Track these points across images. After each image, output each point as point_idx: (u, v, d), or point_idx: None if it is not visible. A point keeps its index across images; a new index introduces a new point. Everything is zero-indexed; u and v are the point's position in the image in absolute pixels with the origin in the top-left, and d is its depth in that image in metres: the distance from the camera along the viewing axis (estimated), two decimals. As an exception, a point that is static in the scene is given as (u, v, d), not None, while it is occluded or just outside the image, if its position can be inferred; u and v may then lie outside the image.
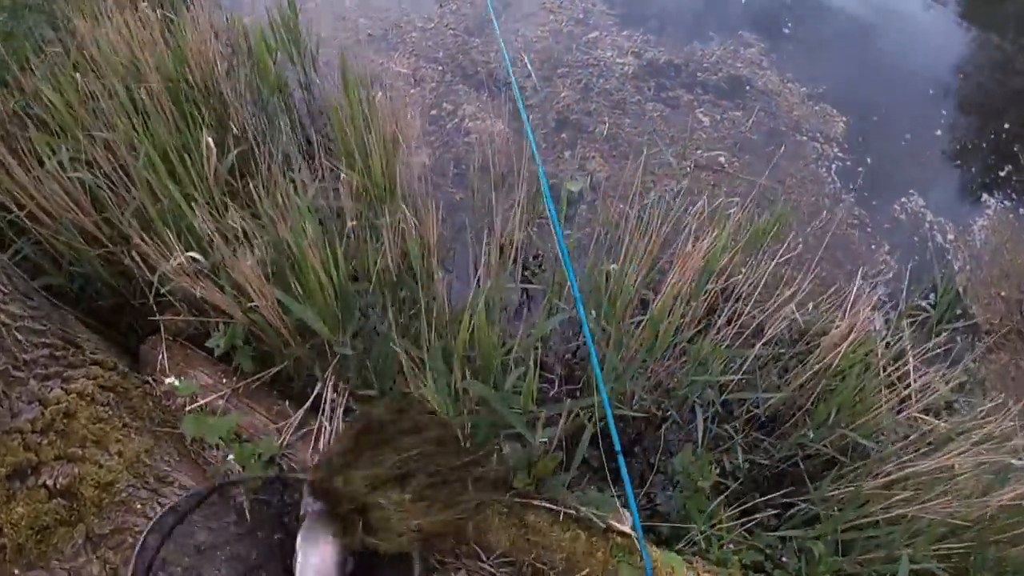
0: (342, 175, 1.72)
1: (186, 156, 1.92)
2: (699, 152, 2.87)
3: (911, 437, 1.94)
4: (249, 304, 1.66)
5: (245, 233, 1.83)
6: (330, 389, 1.71)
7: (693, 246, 1.82)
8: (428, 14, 3.51)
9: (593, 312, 1.88)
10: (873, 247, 2.80)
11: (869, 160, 3.08)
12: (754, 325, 2.04)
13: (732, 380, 2.04)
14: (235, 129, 2.21)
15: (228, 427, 1.69)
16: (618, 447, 1.58)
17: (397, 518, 1.43)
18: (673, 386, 2.10)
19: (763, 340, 2.02)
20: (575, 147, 2.87)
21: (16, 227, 2.00)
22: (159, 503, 1.67)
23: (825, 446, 2.04)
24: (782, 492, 1.99)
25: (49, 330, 1.72)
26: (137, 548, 1.55)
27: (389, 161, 1.96)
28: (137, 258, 1.79)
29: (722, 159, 2.83)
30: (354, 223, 1.80)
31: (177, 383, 1.67)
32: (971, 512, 1.68)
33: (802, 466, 2.13)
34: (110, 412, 1.72)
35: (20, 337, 1.60)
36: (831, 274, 2.59)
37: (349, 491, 1.47)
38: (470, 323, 1.56)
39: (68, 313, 1.95)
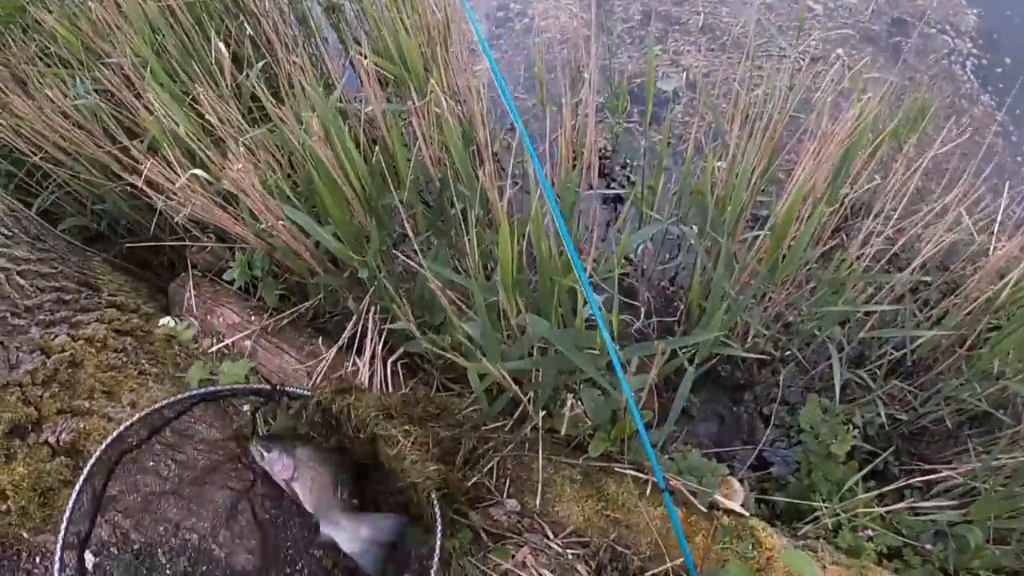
0: (364, 60, 1.39)
1: (200, 72, 1.68)
2: (812, 44, 2.36)
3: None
4: (260, 225, 1.41)
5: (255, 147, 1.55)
6: (370, 324, 1.44)
7: (830, 126, 1.37)
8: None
9: (694, 227, 1.50)
10: (1020, 159, 2.30)
11: (1008, 60, 2.57)
12: (895, 248, 1.59)
13: (873, 313, 1.60)
14: (260, 41, 1.96)
15: (243, 372, 1.50)
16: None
17: (412, 459, 1.22)
18: (794, 320, 1.69)
19: (911, 265, 1.57)
20: (666, 41, 2.49)
21: (41, 172, 1.89)
22: (174, 460, 1.49)
23: (980, 400, 1.58)
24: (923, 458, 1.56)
25: (61, 273, 1.60)
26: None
27: (434, 53, 1.64)
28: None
29: (840, 51, 2.30)
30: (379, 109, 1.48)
31: (174, 323, 1.48)
32: None
33: (949, 424, 1.67)
34: (124, 359, 1.58)
35: (23, 282, 1.47)
36: (974, 189, 2.09)
37: (359, 414, 1.28)
38: (519, 237, 1.21)
39: (93, 255, 1.84)
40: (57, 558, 1.32)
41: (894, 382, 1.72)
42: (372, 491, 1.40)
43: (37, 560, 1.51)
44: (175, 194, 1.51)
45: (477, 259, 1.24)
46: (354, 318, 1.51)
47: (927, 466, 1.66)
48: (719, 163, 1.48)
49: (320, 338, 1.62)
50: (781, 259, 1.40)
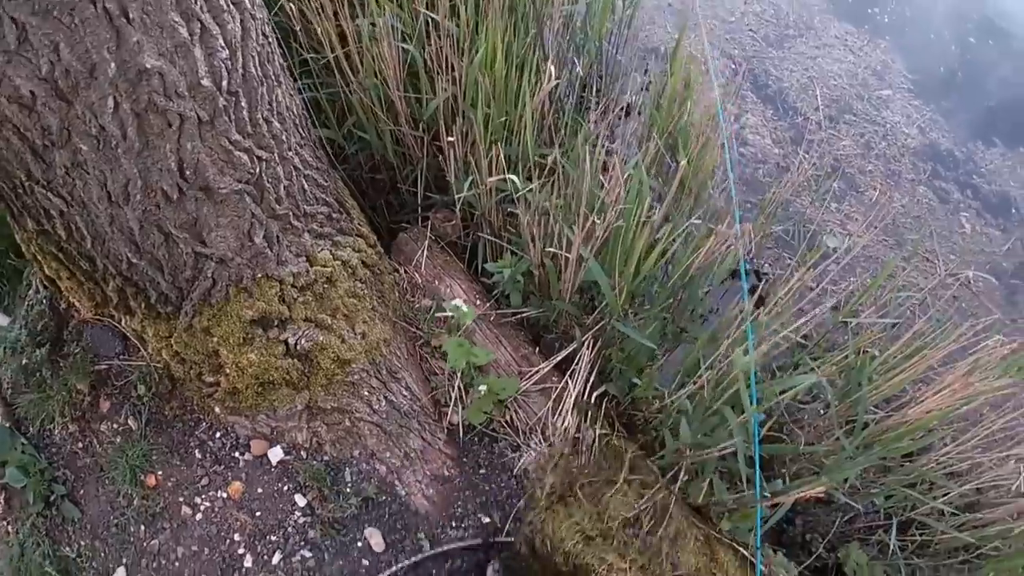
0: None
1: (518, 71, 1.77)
2: (952, 257, 2.81)
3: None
4: (548, 248, 1.60)
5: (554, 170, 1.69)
6: (586, 353, 1.65)
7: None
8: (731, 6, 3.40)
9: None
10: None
11: None
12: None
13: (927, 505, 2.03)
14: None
15: (487, 360, 1.63)
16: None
17: None
18: (873, 484, 2.09)
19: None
20: (841, 202, 2.81)
21: (307, 70, 1.90)
22: (385, 397, 1.64)
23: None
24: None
25: (329, 188, 1.65)
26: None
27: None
28: (450, 154, 1.68)
29: (970, 274, 2.74)
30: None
31: (464, 308, 1.61)
32: None
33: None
34: (365, 290, 1.66)
35: (306, 187, 1.52)
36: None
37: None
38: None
39: (338, 174, 1.86)
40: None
41: (912, 557, 2.16)
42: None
43: (216, 435, 1.65)
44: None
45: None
46: (574, 344, 1.71)
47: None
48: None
49: (535, 348, 1.80)
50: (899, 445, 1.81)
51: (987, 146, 3.27)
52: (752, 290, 2.41)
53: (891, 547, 1.89)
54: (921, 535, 2.08)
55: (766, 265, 2.50)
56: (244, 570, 1.60)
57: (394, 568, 1.55)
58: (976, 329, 1.91)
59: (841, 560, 1.98)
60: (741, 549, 1.70)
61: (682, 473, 1.62)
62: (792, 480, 1.77)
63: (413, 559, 1.57)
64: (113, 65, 1.04)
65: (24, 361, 1.70)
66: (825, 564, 2.05)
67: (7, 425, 1.67)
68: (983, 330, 1.96)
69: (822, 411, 1.90)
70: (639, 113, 2.18)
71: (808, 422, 1.88)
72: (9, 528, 1.66)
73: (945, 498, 1.93)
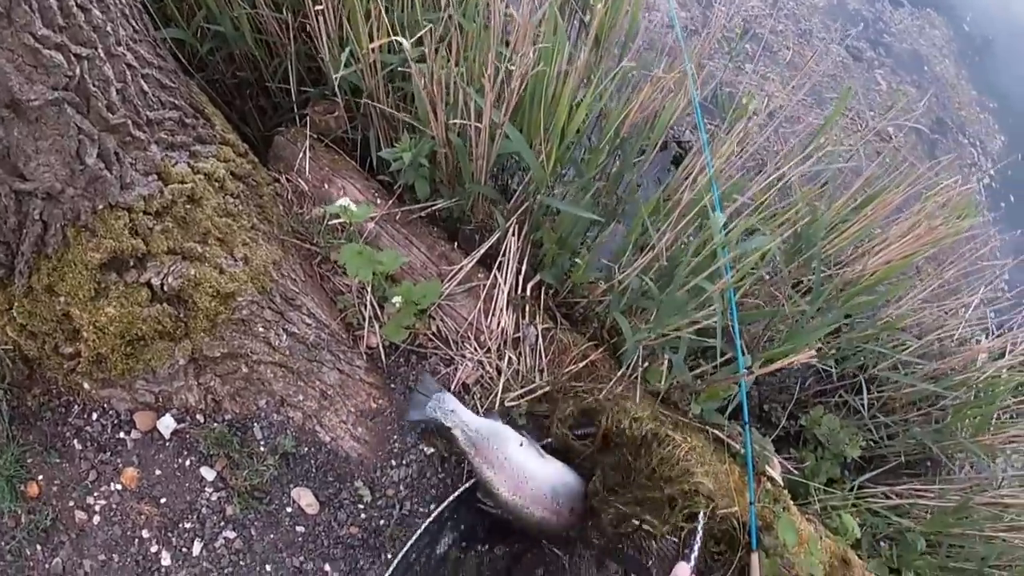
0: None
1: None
2: (871, 114, 2.80)
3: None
4: (452, 120, 1.35)
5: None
6: (512, 240, 1.45)
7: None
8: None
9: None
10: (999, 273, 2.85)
11: (1012, 198, 3.05)
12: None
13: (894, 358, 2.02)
14: None
15: (395, 266, 1.40)
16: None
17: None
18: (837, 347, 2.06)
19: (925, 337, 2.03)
20: (756, 62, 2.75)
21: None
22: (284, 330, 1.40)
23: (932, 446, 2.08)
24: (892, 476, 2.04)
25: (179, 90, 1.37)
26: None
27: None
28: (320, 26, 1.41)
29: (891, 130, 2.77)
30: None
31: (353, 207, 1.34)
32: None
33: (903, 459, 2.18)
34: (239, 206, 1.40)
35: (146, 88, 1.24)
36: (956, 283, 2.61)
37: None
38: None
39: (194, 81, 1.58)
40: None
41: (877, 415, 2.18)
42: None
43: (93, 417, 1.41)
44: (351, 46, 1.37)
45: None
46: (498, 233, 1.51)
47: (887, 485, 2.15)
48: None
49: (454, 243, 1.59)
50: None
51: (895, 6, 3.33)
52: (675, 161, 2.30)
53: (857, 406, 1.85)
54: (880, 391, 2.07)
55: (687, 132, 2.39)
56: (163, 570, 1.40)
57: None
58: (928, 176, 1.87)
59: (808, 425, 1.95)
60: (714, 431, 1.59)
61: (638, 359, 1.47)
62: (749, 351, 1.66)
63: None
64: None
65: None
66: (787, 432, 2.01)
67: None
68: (931, 177, 1.94)
69: (767, 276, 1.80)
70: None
71: (753, 290, 1.78)
72: None
73: (903, 352, 1.91)
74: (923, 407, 2.05)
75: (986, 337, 2.18)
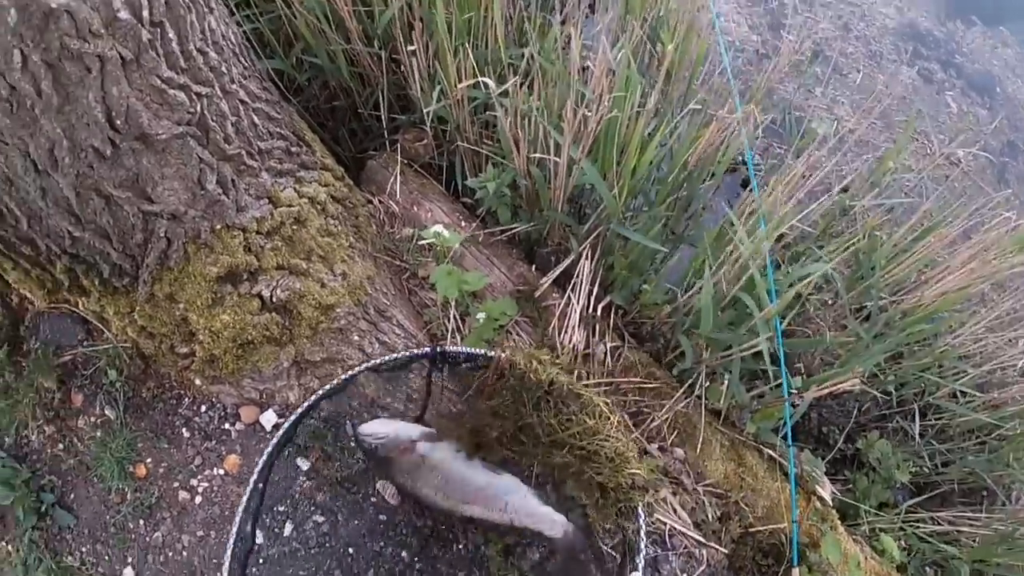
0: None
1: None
2: (941, 137, 2.79)
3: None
4: (534, 155, 1.48)
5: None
6: (585, 264, 1.57)
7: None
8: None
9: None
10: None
11: None
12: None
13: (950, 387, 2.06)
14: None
15: (480, 285, 1.54)
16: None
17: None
18: (888, 372, 2.11)
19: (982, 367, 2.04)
20: (825, 86, 2.76)
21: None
22: (376, 339, 1.53)
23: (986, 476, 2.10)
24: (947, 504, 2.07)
25: (284, 120, 1.51)
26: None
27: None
28: (412, 65, 1.56)
29: (960, 153, 2.75)
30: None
31: (446, 233, 1.49)
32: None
33: (956, 487, 2.21)
34: (338, 226, 1.53)
35: (257, 121, 1.38)
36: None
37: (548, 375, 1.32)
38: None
39: (294, 108, 1.71)
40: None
41: (932, 442, 2.21)
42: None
43: (202, 409, 1.54)
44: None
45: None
46: (572, 256, 1.62)
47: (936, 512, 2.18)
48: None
49: (531, 266, 1.70)
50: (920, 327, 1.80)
51: (967, 25, 3.27)
52: (744, 184, 2.36)
53: (912, 433, 1.90)
54: (937, 419, 2.10)
55: (756, 156, 2.45)
56: (256, 547, 1.55)
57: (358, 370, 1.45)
58: (989, 206, 1.90)
59: (863, 449, 2.00)
60: (768, 450, 1.68)
61: (701, 378, 1.58)
62: (807, 376, 1.75)
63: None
64: (13, 12, 0.90)
65: (-17, 370, 1.55)
66: (843, 455, 2.07)
67: (-21, 443, 1.53)
68: (992, 207, 1.96)
69: (829, 301, 1.87)
70: (607, 9, 2.04)
71: (816, 317, 1.85)
72: (9, 547, 1.59)
73: (960, 382, 1.94)
74: (979, 436, 2.06)
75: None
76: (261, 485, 1.38)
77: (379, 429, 1.33)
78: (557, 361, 1.40)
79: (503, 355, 1.36)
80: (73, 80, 1.00)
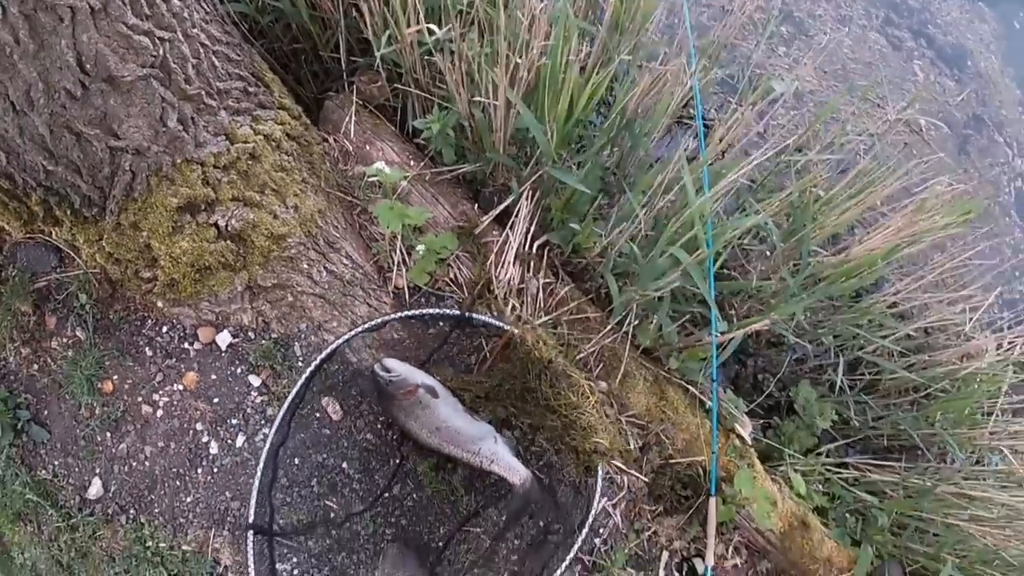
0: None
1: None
2: (903, 104, 2.86)
3: (999, 467, 2.09)
4: (474, 98, 1.63)
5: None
6: (524, 204, 1.71)
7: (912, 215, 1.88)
8: None
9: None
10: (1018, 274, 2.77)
11: None
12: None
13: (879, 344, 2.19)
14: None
15: (422, 220, 1.67)
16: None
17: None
18: (823, 324, 2.24)
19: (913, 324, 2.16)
20: (790, 45, 2.83)
21: None
22: (325, 268, 1.70)
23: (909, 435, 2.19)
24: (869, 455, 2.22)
25: (243, 62, 1.65)
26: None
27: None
28: (366, 10, 1.68)
29: (922, 122, 2.82)
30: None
31: (387, 170, 1.61)
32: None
33: (884, 443, 2.35)
34: (292, 163, 1.68)
35: (216, 63, 1.52)
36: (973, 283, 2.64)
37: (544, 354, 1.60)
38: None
39: (255, 50, 1.84)
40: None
41: (862, 395, 2.35)
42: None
43: (163, 329, 1.73)
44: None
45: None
46: (512, 196, 1.75)
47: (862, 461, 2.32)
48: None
49: (475, 204, 1.85)
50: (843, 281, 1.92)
51: None
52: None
53: (838, 384, 2.02)
54: (869, 374, 2.23)
55: (711, 111, 2.54)
56: (211, 457, 1.73)
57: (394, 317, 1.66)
58: (921, 168, 1.99)
59: (792, 397, 2.14)
60: (691, 388, 1.81)
61: (631, 316, 1.71)
62: (740, 321, 1.87)
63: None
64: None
65: (-38, 296, 1.75)
66: (777, 403, 2.21)
67: (-41, 363, 1.73)
68: (928, 170, 2.04)
69: (768, 253, 1.99)
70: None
71: (754, 264, 1.98)
72: None
73: (893, 338, 2.06)
74: (911, 395, 2.21)
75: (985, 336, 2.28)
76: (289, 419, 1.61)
77: (396, 367, 1.55)
78: (559, 346, 1.64)
79: (516, 331, 1.61)
80: (47, 29, 1.16)
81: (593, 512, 1.56)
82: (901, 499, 2.03)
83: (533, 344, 1.59)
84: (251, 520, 1.51)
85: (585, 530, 1.54)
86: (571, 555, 1.52)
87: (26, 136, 1.28)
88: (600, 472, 1.59)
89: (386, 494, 1.62)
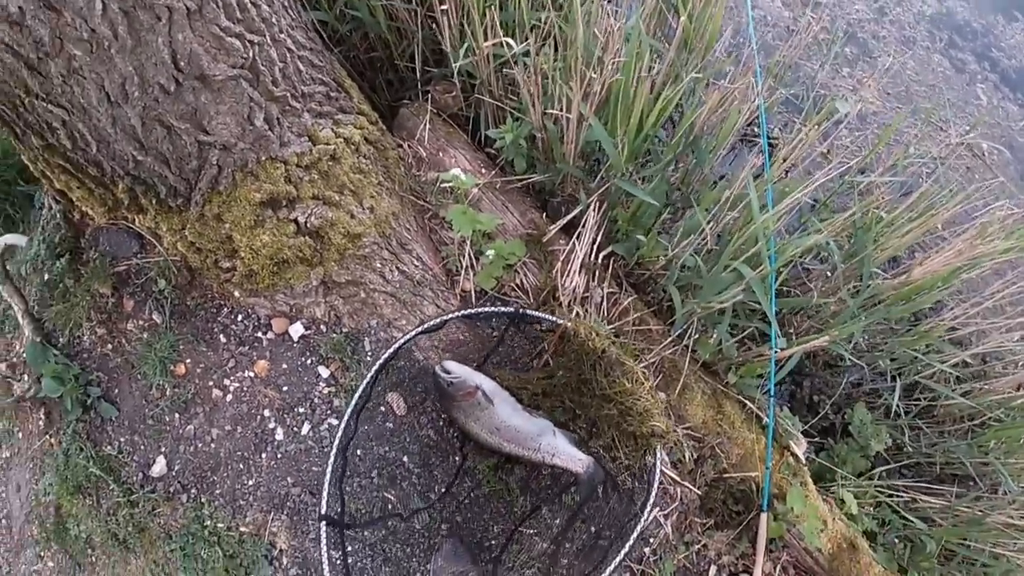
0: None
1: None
2: (966, 127, 2.84)
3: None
4: (547, 110, 1.68)
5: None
6: (592, 215, 1.74)
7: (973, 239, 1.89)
8: None
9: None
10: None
11: None
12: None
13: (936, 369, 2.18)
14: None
15: (492, 226, 1.72)
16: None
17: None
18: (880, 347, 2.24)
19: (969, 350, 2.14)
20: (854, 66, 2.84)
21: None
22: (397, 268, 1.75)
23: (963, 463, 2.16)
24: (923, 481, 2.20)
25: (325, 68, 1.71)
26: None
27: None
28: (444, 23, 1.74)
29: (984, 146, 2.80)
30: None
31: (463, 177, 1.68)
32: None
33: (938, 470, 2.32)
34: (369, 166, 1.74)
35: (301, 67, 1.58)
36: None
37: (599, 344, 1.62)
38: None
39: (335, 57, 1.89)
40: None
41: (916, 420, 2.33)
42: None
43: (238, 318, 1.78)
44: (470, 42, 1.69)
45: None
46: (580, 207, 1.79)
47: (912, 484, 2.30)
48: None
49: (543, 213, 1.89)
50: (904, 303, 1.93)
51: (1008, 20, 3.25)
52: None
53: (894, 408, 2.02)
54: (925, 399, 2.21)
55: (776, 130, 2.55)
56: (276, 443, 1.76)
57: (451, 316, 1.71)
58: (982, 192, 1.98)
59: (847, 419, 2.14)
60: (748, 403, 1.83)
61: (691, 329, 1.75)
62: (798, 339, 1.89)
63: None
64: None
65: (46, 276, 1.83)
66: (832, 425, 2.20)
67: (37, 340, 1.80)
68: (989, 194, 2.04)
69: (828, 273, 2.00)
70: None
71: (814, 284, 1.99)
72: (52, 440, 1.82)
73: (950, 363, 2.04)
74: (965, 423, 2.18)
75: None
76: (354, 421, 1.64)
77: (455, 369, 1.60)
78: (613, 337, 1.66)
79: (569, 324, 1.64)
80: (145, 26, 1.21)
81: (654, 492, 1.57)
82: (950, 527, 2.01)
83: (586, 335, 1.62)
84: (323, 511, 1.55)
85: (647, 510, 1.55)
86: (632, 539, 1.53)
87: (118, 127, 1.33)
88: (659, 454, 1.60)
89: (447, 491, 1.68)
